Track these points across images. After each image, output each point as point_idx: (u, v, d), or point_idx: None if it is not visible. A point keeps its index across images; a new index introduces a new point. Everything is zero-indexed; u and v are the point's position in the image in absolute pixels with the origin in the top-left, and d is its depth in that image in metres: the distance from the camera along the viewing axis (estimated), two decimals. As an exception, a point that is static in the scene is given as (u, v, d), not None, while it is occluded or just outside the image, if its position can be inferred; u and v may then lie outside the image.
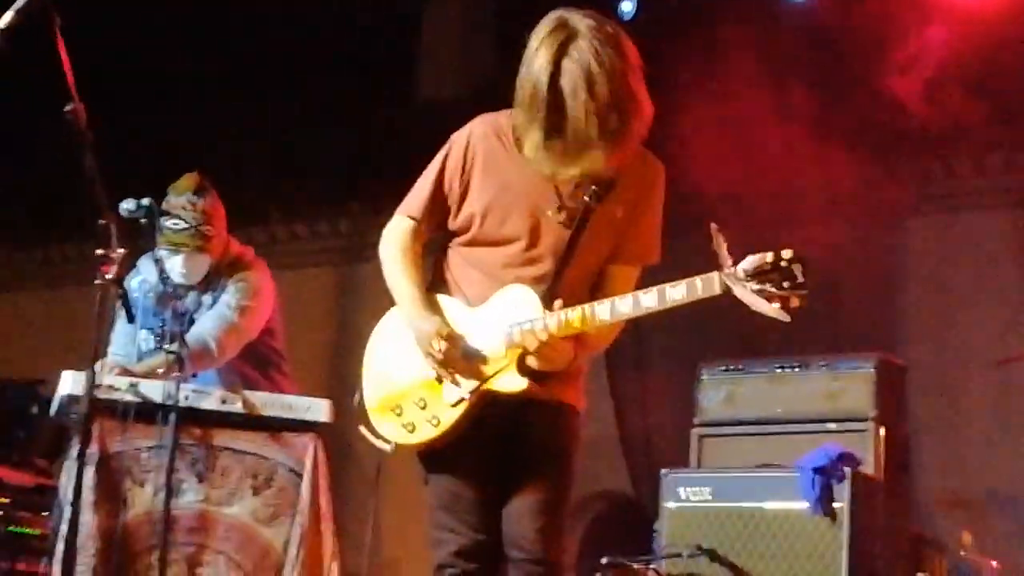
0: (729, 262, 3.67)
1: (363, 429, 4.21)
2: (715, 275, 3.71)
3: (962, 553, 6.58)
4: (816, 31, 7.57)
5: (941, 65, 7.19)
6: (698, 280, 3.75)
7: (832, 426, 6.54)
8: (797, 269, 3.61)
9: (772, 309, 3.63)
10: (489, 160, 4.11)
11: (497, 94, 4.11)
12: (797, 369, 6.79)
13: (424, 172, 4.22)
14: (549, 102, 3.83)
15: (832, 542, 6.04)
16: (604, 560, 6.30)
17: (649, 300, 3.85)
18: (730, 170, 7.43)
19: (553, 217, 4.05)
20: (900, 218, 8.02)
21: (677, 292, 3.79)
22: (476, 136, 4.15)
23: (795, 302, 3.62)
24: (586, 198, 4.02)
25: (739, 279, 3.65)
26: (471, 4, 9.23)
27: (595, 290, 4.12)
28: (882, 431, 6.48)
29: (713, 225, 3.67)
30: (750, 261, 3.65)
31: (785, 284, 3.61)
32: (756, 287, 3.63)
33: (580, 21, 3.88)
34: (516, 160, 4.03)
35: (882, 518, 6.27)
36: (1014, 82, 7.31)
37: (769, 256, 3.64)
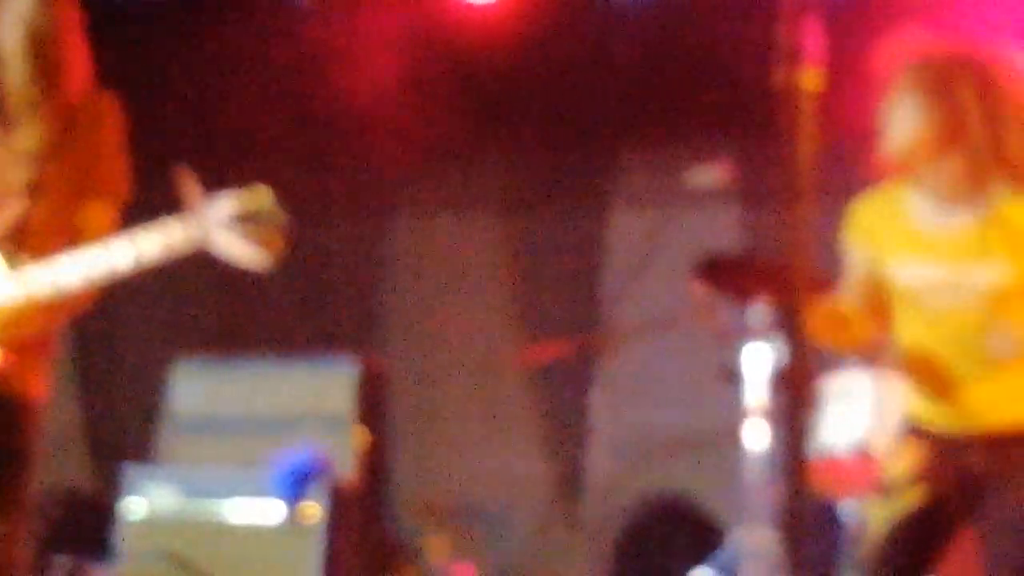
0: (196, 207, 3.31)
1: None
2: (178, 223, 3.34)
3: (434, 559, 6.67)
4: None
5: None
6: (163, 227, 3.36)
7: (310, 427, 6.42)
8: (274, 211, 3.31)
9: (248, 256, 3.30)
10: None
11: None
12: (278, 367, 6.67)
13: None
14: None
15: (304, 548, 5.96)
16: (59, 560, 6.12)
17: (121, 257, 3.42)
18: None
19: (12, 175, 3.65)
20: (383, 218, 7.96)
21: (146, 243, 3.37)
22: None
23: (275, 245, 3.31)
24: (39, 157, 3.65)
25: (210, 225, 3.31)
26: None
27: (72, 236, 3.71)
28: (361, 435, 6.43)
29: (179, 167, 3.30)
30: (220, 205, 3.30)
31: (262, 229, 3.30)
32: (229, 233, 3.30)
33: None
34: None
35: (357, 525, 6.23)
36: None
37: (241, 197, 3.31)
